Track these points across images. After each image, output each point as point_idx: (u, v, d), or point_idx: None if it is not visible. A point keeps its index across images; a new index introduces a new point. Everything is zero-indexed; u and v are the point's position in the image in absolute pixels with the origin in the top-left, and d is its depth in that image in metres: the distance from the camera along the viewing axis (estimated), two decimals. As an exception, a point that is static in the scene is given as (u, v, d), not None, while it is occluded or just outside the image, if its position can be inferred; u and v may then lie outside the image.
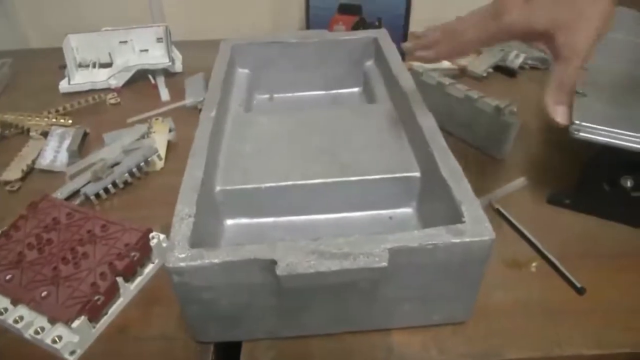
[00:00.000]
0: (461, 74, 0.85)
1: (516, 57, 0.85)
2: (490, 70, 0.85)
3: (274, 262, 0.38)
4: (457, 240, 0.39)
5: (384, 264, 0.37)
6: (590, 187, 0.57)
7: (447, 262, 0.40)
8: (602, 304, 0.49)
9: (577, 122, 0.53)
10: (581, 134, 0.52)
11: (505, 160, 0.66)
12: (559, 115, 0.44)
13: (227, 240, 0.52)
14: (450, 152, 0.49)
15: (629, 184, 0.54)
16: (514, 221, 0.57)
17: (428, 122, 0.53)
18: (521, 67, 0.87)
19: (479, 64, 0.85)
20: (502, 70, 0.87)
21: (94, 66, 0.92)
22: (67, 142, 0.72)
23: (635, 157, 0.51)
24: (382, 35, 0.74)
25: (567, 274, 0.51)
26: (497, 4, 0.43)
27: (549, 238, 0.55)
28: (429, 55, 0.49)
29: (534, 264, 0.53)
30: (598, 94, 0.59)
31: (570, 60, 0.42)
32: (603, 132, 0.52)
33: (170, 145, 0.71)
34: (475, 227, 0.40)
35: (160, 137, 0.71)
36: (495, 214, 0.58)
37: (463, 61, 0.85)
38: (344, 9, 0.89)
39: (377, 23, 0.88)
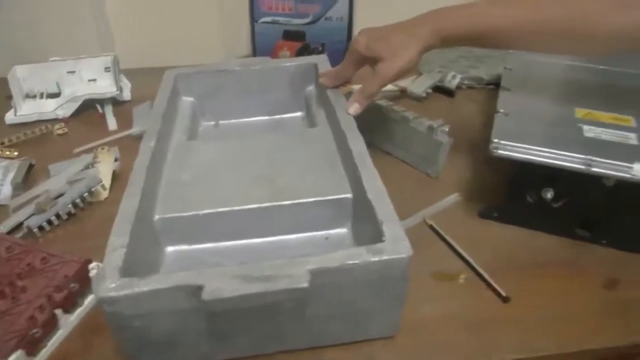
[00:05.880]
0: (402, 95, 0.89)
1: (453, 77, 0.89)
2: (430, 90, 0.89)
3: (200, 288, 0.39)
4: (376, 259, 0.41)
5: (305, 285, 0.39)
6: (515, 200, 0.60)
7: (368, 280, 0.42)
8: (526, 311, 0.52)
9: (495, 140, 0.56)
10: (499, 151, 0.55)
11: (440, 178, 0.69)
12: (352, 109, 0.63)
13: (168, 268, 0.53)
14: (377, 174, 0.51)
15: (549, 195, 0.58)
16: (445, 236, 0.59)
17: (358, 146, 0.56)
18: (458, 87, 0.91)
19: (419, 85, 0.89)
20: (441, 90, 0.90)
21: (41, 96, 0.93)
22: (11, 175, 0.72)
23: (552, 170, 0.55)
24: (322, 61, 0.77)
25: (493, 284, 0.53)
26: (353, 41, 0.65)
27: (479, 250, 0.58)
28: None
29: (462, 276, 0.55)
30: (519, 113, 0.63)
31: (377, 79, 0.62)
32: (521, 149, 0.56)
33: (115, 175, 0.72)
34: (394, 246, 0.42)
35: (105, 167, 0.72)
36: (429, 230, 0.61)
37: (403, 83, 0.89)
38: (289, 35, 0.91)
39: (320, 48, 0.91)
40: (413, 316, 0.50)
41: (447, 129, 0.67)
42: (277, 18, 0.90)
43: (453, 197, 0.65)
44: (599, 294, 0.55)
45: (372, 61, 0.63)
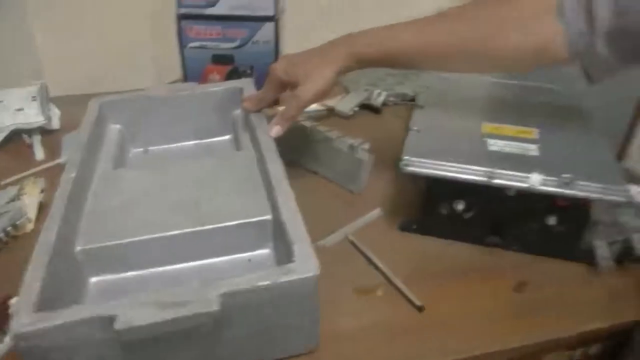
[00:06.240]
0: (329, 114, 0.92)
1: (379, 95, 0.93)
2: (357, 108, 0.92)
3: (113, 318, 0.40)
4: (285, 279, 0.43)
5: (216, 308, 0.41)
6: (430, 212, 0.64)
7: (281, 299, 0.44)
8: (442, 317, 0.55)
9: (406, 157, 0.59)
10: (409, 168, 0.59)
11: (363, 194, 0.72)
12: (273, 132, 0.65)
13: (92, 299, 0.54)
14: (292, 195, 0.54)
15: (460, 207, 0.61)
16: (365, 250, 0.62)
17: (276, 168, 0.58)
18: (385, 104, 0.94)
19: (346, 103, 0.92)
20: (368, 107, 0.94)
21: (-34, 129, 0.91)
22: None
23: (460, 183, 0.59)
24: (247, 85, 0.79)
25: (408, 294, 0.56)
26: (271, 67, 0.68)
27: (398, 263, 0.61)
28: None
29: (380, 289, 0.58)
30: (430, 130, 0.66)
31: (296, 103, 0.64)
32: (430, 165, 0.59)
33: (42, 206, 0.72)
34: (303, 265, 0.44)
35: (31, 199, 0.71)
36: (351, 245, 0.64)
37: (331, 102, 0.92)
38: (217, 59, 0.93)
39: (249, 71, 0.93)
40: (334, 330, 0.52)
41: (367, 147, 0.70)
42: (205, 43, 0.92)
43: (375, 213, 0.68)
44: (510, 296, 0.59)
45: (291, 85, 0.66)
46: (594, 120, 0.70)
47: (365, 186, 0.72)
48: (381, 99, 0.93)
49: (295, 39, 0.92)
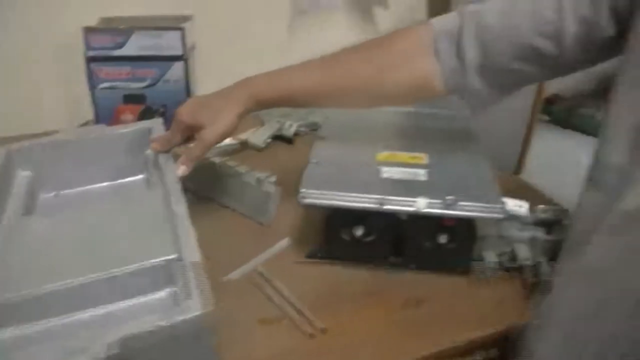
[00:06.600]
0: (242, 147, 0.95)
1: (290, 126, 0.97)
2: (270, 140, 0.96)
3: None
4: (183, 318, 0.45)
5: (116, 351, 0.43)
6: (333, 239, 0.67)
7: (180, 338, 0.46)
8: (344, 339, 0.59)
9: (303, 190, 0.63)
10: (306, 200, 0.62)
11: (272, 226, 0.75)
12: (179, 171, 0.67)
13: (-4, 351, 0.54)
14: (193, 234, 0.56)
15: (360, 232, 0.66)
16: (273, 280, 0.65)
17: (179, 208, 0.60)
18: (297, 134, 0.99)
19: (259, 136, 0.95)
20: (281, 138, 0.98)
21: None
22: None
23: (356, 211, 0.63)
24: (157, 124, 0.80)
25: (313, 320, 0.60)
26: (176, 111, 0.71)
27: (305, 290, 0.64)
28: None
29: (286, 318, 0.61)
30: (329, 161, 0.71)
31: (200, 145, 0.67)
32: (326, 196, 0.63)
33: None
34: (200, 303, 0.47)
35: None
36: (259, 277, 0.66)
37: (244, 135, 0.95)
38: (129, 99, 0.95)
39: (162, 109, 0.95)
40: (240, 361, 0.55)
41: (273, 180, 0.74)
42: (115, 83, 0.93)
43: (284, 243, 0.71)
44: (408, 313, 0.63)
45: (196, 128, 0.69)
46: (479, 142, 0.77)
47: (275, 217, 0.75)
48: (293, 129, 0.97)
49: (208, 75, 0.96)
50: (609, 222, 0.51)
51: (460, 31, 0.62)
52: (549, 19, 0.57)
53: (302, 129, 1.00)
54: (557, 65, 0.61)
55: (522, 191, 0.89)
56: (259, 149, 0.95)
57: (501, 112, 0.77)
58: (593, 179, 0.56)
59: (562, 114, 1.30)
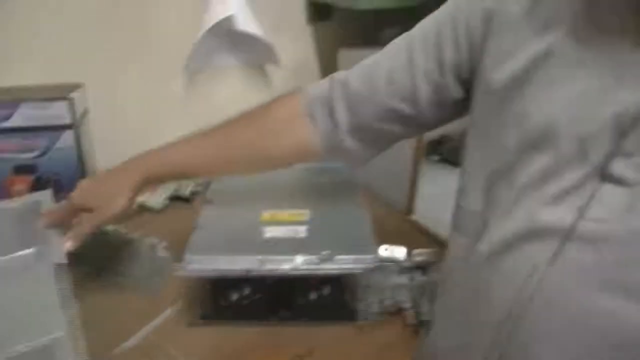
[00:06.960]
0: (140, 210, 0.96)
1: (187, 186, 1.00)
2: (167, 201, 0.98)
3: None
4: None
5: None
6: (223, 301, 0.70)
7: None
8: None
9: (187, 255, 0.66)
10: (190, 266, 0.65)
11: (167, 290, 0.77)
12: (66, 246, 0.67)
13: None
14: (75, 313, 0.57)
15: (247, 292, 0.69)
16: (165, 346, 0.67)
17: (63, 285, 0.61)
18: (195, 193, 1.01)
19: (156, 198, 0.97)
20: (179, 199, 1.00)
21: None
22: None
23: (229, 278, 0.66)
24: (45, 197, 0.81)
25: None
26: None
27: (197, 353, 0.66)
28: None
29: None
30: (215, 225, 0.74)
31: (89, 225, 0.68)
32: (210, 261, 0.66)
33: None
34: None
35: None
36: (151, 346, 0.68)
37: (141, 198, 0.96)
38: (19, 170, 0.94)
39: (56, 178, 0.95)
40: None
41: (165, 245, 0.76)
42: (4, 155, 0.92)
43: (175, 309, 0.73)
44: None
45: (88, 210, 0.70)
46: (360, 193, 0.83)
47: (168, 282, 0.77)
48: (189, 189, 1.00)
49: (105, 141, 0.97)
50: (471, 262, 0.56)
51: (331, 96, 0.67)
52: (404, 83, 0.63)
53: (199, 188, 1.02)
54: (419, 124, 0.67)
55: (411, 232, 0.95)
56: (157, 211, 0.96)
57: (385, 158, 0.84)
58: (456, 225, 0.61)
59: (451, 153, 1.39)
